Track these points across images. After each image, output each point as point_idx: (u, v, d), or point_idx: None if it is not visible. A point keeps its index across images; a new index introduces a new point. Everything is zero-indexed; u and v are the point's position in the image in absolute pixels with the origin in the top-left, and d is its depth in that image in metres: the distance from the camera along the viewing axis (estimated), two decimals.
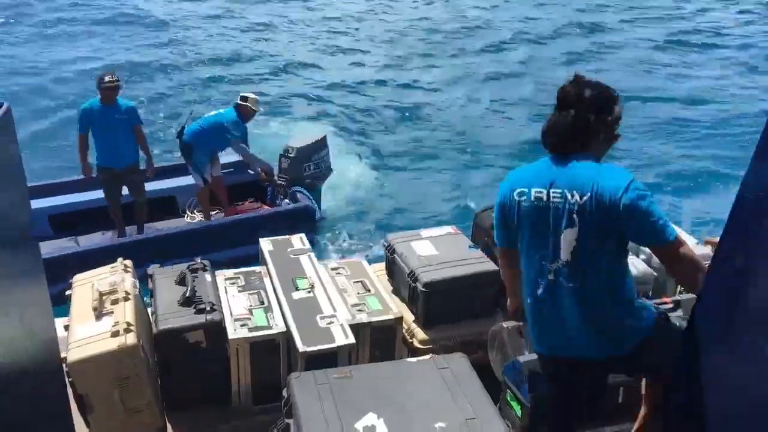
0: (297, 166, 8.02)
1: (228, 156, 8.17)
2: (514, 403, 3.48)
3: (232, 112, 7.67)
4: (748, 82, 14.42)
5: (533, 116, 12.22)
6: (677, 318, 3.88)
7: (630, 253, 4.45)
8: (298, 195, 7.92)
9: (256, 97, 7.85)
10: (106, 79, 7.02)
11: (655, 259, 4.31)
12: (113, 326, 3.60)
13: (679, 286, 4.34)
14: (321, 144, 8.27)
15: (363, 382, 3.26)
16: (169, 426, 3.85)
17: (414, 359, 3.48)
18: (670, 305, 3.91)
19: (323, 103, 13.50)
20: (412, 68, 15.30)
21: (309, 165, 8.08)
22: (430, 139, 11.94)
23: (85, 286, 4.02)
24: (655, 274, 4.29)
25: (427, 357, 3.48)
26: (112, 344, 3.51)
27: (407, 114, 12.96)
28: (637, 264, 4.29)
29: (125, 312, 3.72)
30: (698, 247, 4.46)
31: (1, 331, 1.60)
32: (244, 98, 7.69)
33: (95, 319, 3.71)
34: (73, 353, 3.48)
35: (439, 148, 11.55)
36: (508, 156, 11.08)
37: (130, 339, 3.54)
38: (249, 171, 8.36)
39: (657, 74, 14.87)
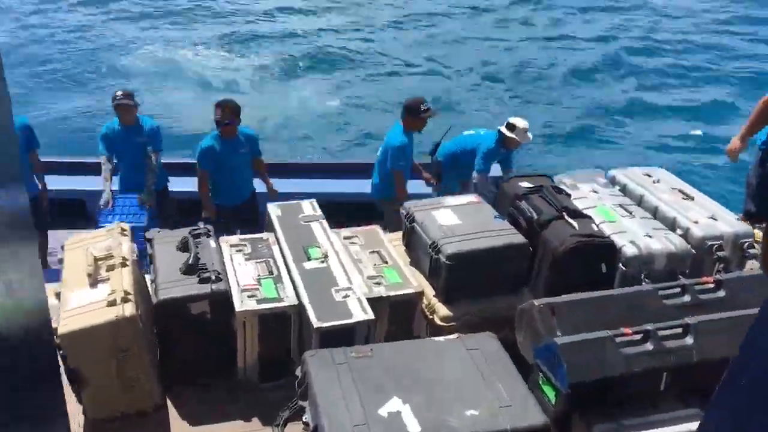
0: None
1: None
2: (547, 388, 3.19)
3: (491, 138, 6.33)
4: None
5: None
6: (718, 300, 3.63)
7: (664, 229, 4.20)
8: None
9: (526, 125, 6.31)
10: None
11: (693, 234, 4.06)
12: (109, 295, 3.30)
13: (717, 264, 4.06)
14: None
15: (386, 363, 2.97)
16: (168, 403, 3.55)
17: (440, 338, 3.19)
18: (712, 285, 3.63)
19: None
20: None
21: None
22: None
23: (78, 250, 3.70)
24: (693, 251, 4.00)
25: (454, 336, 3.19)
26: (109, 314, 3.21)
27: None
28: (673, 239, 4.00)
29: (122, 279, 3.41)
30: (738, 223, 4.18)
31: None
32: (511, 126, 6.27)
33: (90, 287, 3.41)
34: (65, 324, 3.18)
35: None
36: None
37: (128, 309, 3.23)
38: None
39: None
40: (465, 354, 3.06)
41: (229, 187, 5.79)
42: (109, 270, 3.49)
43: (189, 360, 3.58)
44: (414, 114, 5.86)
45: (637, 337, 3.20)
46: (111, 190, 5.85)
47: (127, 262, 3.54)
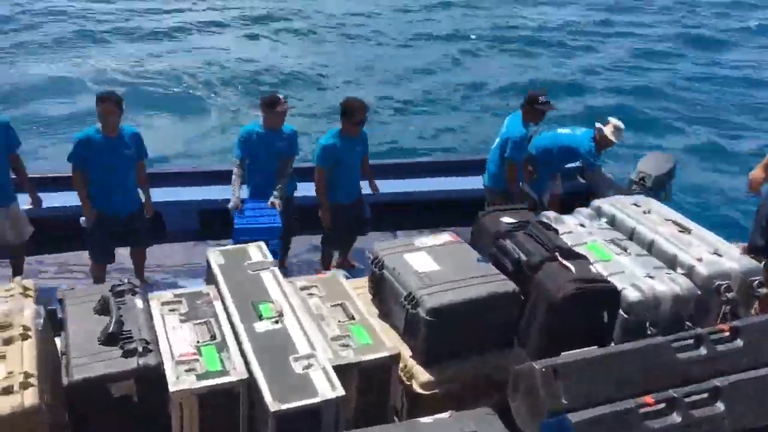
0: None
1: None
2: None
3: (588, 138, 6.42)
4: None
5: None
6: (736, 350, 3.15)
7: (665, 268, 3.73)
8: None
9: (620, 124, 6.41)
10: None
11: (698, 272, 3.60)
12: (5, 378, 2.58)
13: (723, 306, 3.60)
14: (672, 171, 6.74)
15: None
16: None
17: (429, 419, 2.58)
18: (728, 334, 3.15)
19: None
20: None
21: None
22: None
23: None
24: (698, 292, 3.53)
25: (446, 415, 2.59)
26: (4, 406, 2.48)
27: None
28: (678, 280, 3.52)
29: (23, 356, 2.69)
30: (744, 259, 3.74)
31: None
32: (607, 124, 6.41)
33: None
34: None
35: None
36: None
37: (29, 398, 2.52)
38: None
39: None
40: None
41: (347, 185, 5.69)
42: (5, 344, 2.75)
43: None
44: (532, 104, 5.93)
45: (662, 406, 2.68)
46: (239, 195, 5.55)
47: (30, 333, 2.81)
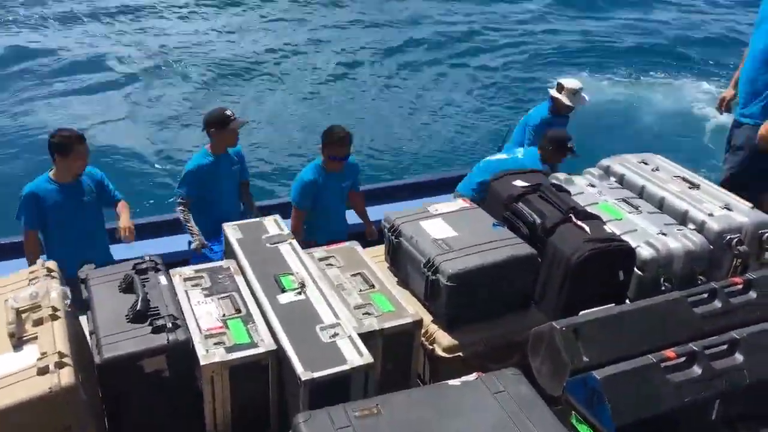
0: None
1: None
2: (582, 427, 2.71)
3: (542, 108, 5.86)
4: None
5: None
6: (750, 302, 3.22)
7: (676, 224, 3.78)
8: None
9: (575, 86, 5.70)
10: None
11: (710, 228, 3.65)
12: (39, 359, 2.62)
13: (735, 260, 3.66)
14: None
15: (399, 422, 2.41)
16: None
17: (457, 381, 2.64)
18: (741, 286, 3.21)
19: None
20: None
21: None
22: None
23: None
24: (711, 247, 3.58)
25: (473, 377, 2.65)
26: (41, 385, 2.53)
27: None
28: (690, 236, 3.57)
29: (54, 336, 2.73)
30: (754, 212, 3.79)
31: None
32: (560, 87, 5.74)
33: (12, 349, 2.71)
34: None
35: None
36: None
37: (66, 376, 2.56)
38: None
39: None
40: (490, 400, 2.53)
41: (327, 226, 4.91)
42: (36, 325, 2.79)
43: (145, 429, 2.93)
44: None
45: (683, 359, 2.75)
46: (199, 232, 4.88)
47: (59, 313, 2.85)
